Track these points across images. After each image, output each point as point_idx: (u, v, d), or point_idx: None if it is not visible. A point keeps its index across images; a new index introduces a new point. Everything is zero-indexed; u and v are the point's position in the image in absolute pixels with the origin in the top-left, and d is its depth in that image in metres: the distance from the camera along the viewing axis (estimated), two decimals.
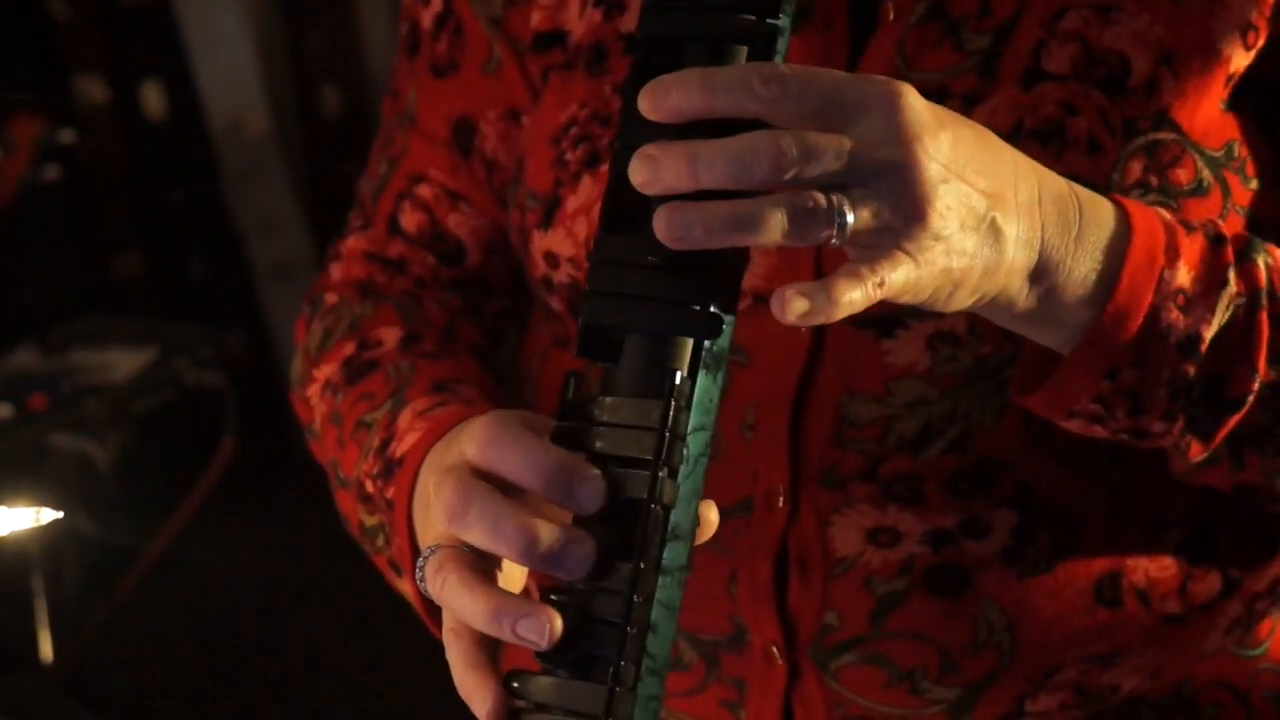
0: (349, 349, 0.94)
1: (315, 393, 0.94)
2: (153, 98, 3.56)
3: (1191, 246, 0.73)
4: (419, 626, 0.82)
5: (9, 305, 2.83)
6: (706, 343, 0.65)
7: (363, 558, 0.91)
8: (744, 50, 0.65)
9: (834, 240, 0.63)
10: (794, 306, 0.63)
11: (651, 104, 0.63)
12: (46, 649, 2.23)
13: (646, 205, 0.63)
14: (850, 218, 0.63)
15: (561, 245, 0.86)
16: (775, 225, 0.62)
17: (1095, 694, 0.87)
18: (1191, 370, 0.73)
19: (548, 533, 0.63)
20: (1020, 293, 0.70)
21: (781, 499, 0.85)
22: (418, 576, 0.71)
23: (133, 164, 3.53)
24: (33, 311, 2.81)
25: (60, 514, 2.02)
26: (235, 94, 3.61)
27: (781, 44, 0.66)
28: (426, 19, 0.95)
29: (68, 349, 2.48)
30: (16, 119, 2.61)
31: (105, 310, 3.06)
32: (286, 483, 3.42)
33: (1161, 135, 0.79)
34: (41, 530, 2.16)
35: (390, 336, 0.94)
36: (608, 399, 0.65)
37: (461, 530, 0.66)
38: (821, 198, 0.63)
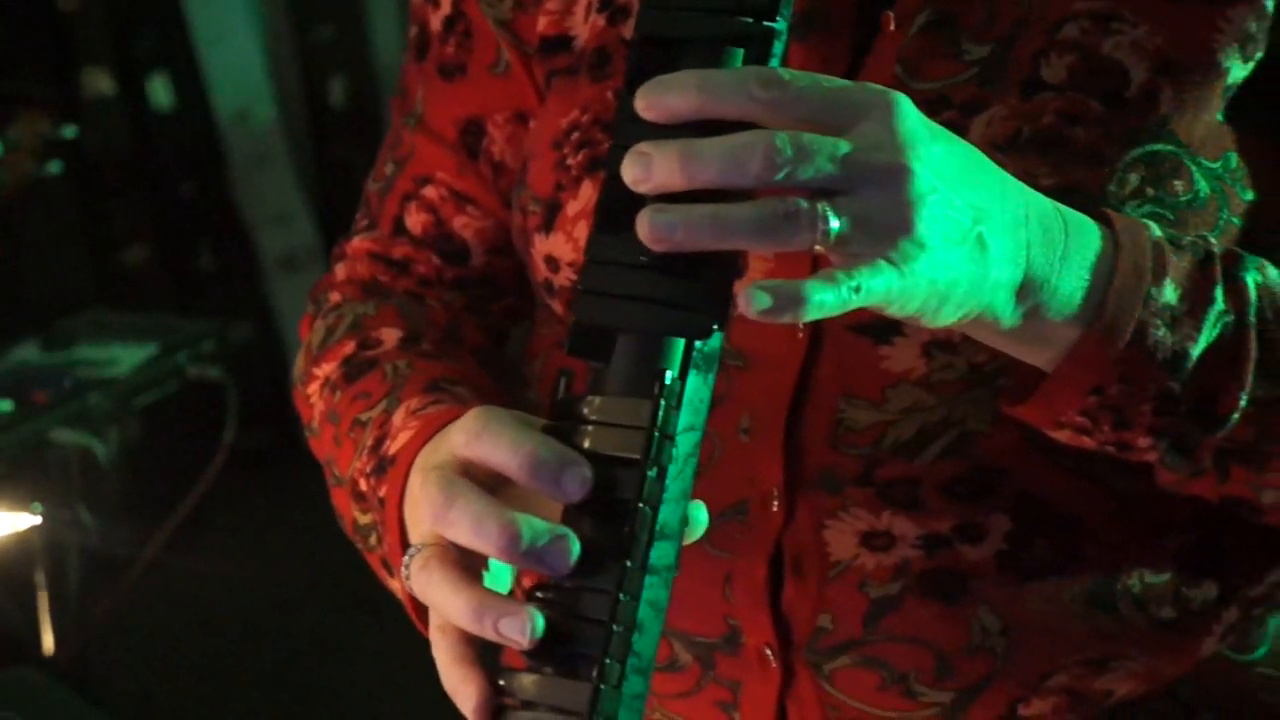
0: (349, 347, 0.94)
1: (315, 390, 0.95)
2: (160, 90, 3.56)
3: (1179, 265, 0.73)
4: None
5: (13, 300, 2.84)
6: (697, 343, 0.65)
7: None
8: (741, 52, 0.65)
9: (818, 246, 0.63)
10: (757, 301, 0.62)
11: (647, 103, 0.63)
12: (49, 642, 2.25)
13: (640, 204, 0.63)
14: (835, 223, 0.63)
15: (562, 249, 0.86)
16: (756, 228, 0.62)
17: (1089, 698, 0.87)
18: (1178, 387, 0.73)
19: (530, 529, 0.64)
20: (1005, 309, 0.70)
21: (776, 502, 0.85)
22: (404, 574, 0.71)
23: (140, 156, 3.53)
24: (37, 306, 2.82)
25: (38, 519, 2.02)
26: (243, 85, 3.61)
27: (778, 47, 0.66)
28: (435, 21, 0.96)
29: (70, 343, 2.49)
30: (21, 114, 2.61)
31: (113, 302, 3.06)
32: (290, 474, 3.42)
33: (1159, 146, 0.79)
34: (44, 524, 2.17)
35: (390, 336, 0.94)
36: (598, 398, 0.65)
37: (445, 528, 0.66)
38: (805, 203, 0.62)
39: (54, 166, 2.59)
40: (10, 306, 2.77)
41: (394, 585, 0.85)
